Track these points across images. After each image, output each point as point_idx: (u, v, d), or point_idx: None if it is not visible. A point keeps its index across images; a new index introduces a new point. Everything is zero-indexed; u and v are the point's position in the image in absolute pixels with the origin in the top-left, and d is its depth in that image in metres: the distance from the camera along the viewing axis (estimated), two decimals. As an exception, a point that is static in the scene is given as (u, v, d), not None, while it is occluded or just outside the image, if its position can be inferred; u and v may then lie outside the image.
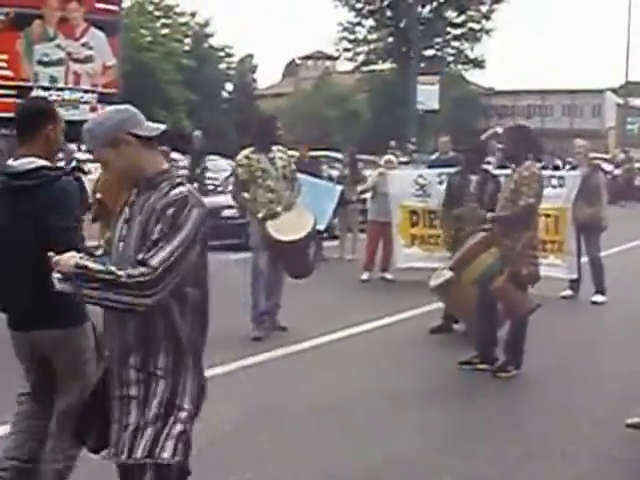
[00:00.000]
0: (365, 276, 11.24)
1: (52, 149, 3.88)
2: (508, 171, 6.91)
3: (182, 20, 41.60)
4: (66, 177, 3.79)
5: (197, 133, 20.26)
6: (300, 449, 4.95)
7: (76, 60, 18.26)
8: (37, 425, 3.99)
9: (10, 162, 3.77)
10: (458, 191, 7.70)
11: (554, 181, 9.87)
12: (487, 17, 46.80)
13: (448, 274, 7.11)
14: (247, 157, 7.48)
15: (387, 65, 49.13)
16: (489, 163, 9.55)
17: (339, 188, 12.19)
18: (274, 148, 7.51)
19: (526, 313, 6.50)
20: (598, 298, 9.60)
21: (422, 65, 42.25)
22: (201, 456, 4.74)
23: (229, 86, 47.92)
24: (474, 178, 7.60)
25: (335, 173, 14.46)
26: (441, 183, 9.50)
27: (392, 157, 12.32)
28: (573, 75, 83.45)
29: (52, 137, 3.83)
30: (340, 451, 4.90)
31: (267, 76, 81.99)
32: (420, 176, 10.49)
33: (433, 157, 12.17)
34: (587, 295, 9.72)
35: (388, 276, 11.17)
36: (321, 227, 12.85)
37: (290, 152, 13.06)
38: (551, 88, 53.85)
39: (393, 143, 14.59)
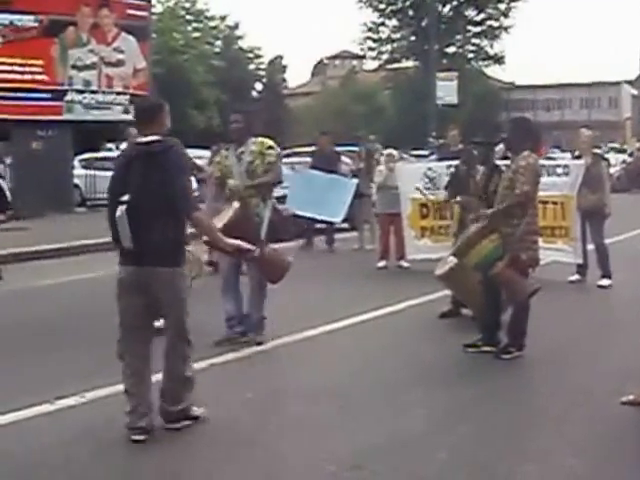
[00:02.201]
0: (381, 264, 11.27)
1: (163, 130, 4.82)
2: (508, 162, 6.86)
3: (212, 24, 41.81)
4: (177, 147, 4.76)
5: (131, 130, 18.07)
6: (307, 428, 4.96)
7: (108, 64, 18.48)
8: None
9: (138, 139, 4.83)
10: (464, 181, 7.65)
11: (559, 170, 9.81)
12: (505, 15, 46.49)
13: (452, 261, 7.08)
14: (220, 155, 7.08)
15: (410, 63, 48.89)
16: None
17: (354, 182, 12.18)
18: (250, 141, 6.80)
19: (526, 297, 6.45)
20: (604, 282, 9.50)
21: (444, 62, 42.15)
22: (212, 434, 4.82)
23: (258, 86, 48.00)
24: (481, 169, 7.53)
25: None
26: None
27: (393, 150, 12.20)
28: (590, 68, 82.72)
29: (163, 122, 4.83)
30: (345, 430, 4.90)
31: (297, 76, 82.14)
32: (429, 169, 10.41)
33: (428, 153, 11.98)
34: (595, 280, 9.63)
35: (404, 264, 11.15)
36: (337, 220, 12.82)
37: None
38: (569, 82, 53.35)
39: (372, 137, 14.42)
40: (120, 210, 4.62)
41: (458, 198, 7.75)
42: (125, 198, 4.63)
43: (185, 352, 4.86)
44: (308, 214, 12.96)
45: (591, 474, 4.29)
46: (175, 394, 4.84)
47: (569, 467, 4.35)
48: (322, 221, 12.91)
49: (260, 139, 6.90)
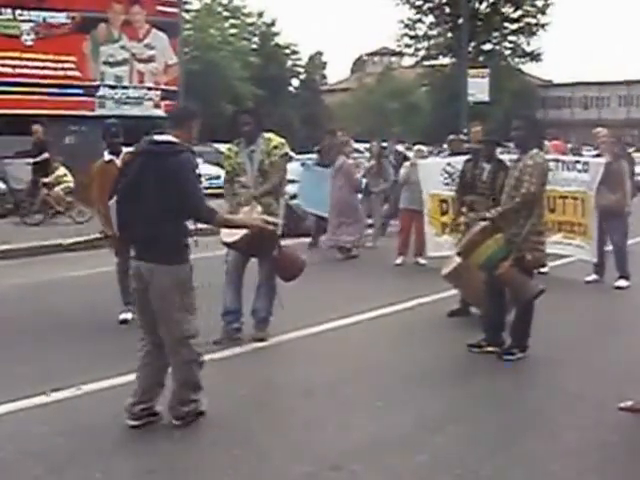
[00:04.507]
0: (399, 260, 11.17)
1: (189, 138, 4.84)
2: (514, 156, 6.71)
3: (249, 20, 41.82)
4: (187, 153, 4.70)
5: (37, 126, 15.76)
6: (294, 426, 4.91)
7: (140, 60, 18.58)
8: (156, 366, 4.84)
9: (154, 136, 4.80)
10: (471, 179, 7.52)
11: (578, 166, 9.60)
12: (543, 12, 45.76)
13: (457, 261, 6.96)
14: (229, 149, 6.95)
15: (447, 60, 48.41)
16: (509, 152, 9.28)
17: (328, 172, 12.05)
18: (260, 139, 6.73)
19: (531, 298, 6.30)
20: (621, 283, 9.29)
21: (480, 59, 41.66)
22: (196, 431, 4.78)
23: (295, 82, 47.98)
24: (487, 167, 7.39)
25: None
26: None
27: (422, 146, 12.06)
28: (628, 66, 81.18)
29: (190, 130, 4.85)
30: (332, 428, 4.83)
31: (339, 72, 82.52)
32: (448, 164, 10.20)
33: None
34: (613, 281, 9.40)
35: (422, 261, 11.02)
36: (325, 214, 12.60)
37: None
38: (607, 79, 52.48)
39: (340, 133, 14.25)
40: (113, 199, 4.72)
41: (468, 197, 7.59)
42: (120, 188, 4.72)
43: (186, 357, 4.75)
44: (315, 212, 12.87)
45: (574, 480, 4.17)
46: (181, 396, 4.79)
47: (554, 472, 4.24)
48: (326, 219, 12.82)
49: (268, 136, 6.82)
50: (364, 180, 12.50)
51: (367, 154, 16.92)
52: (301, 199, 12.78)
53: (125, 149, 7.67)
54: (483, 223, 6.42)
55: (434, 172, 10.36)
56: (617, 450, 4.58)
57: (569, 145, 10.23)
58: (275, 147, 6.74)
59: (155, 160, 4.64)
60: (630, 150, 11.32)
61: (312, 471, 4.19)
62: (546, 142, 12.33)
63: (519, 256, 6.21)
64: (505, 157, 7.57)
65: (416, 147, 12.06)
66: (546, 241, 6.65)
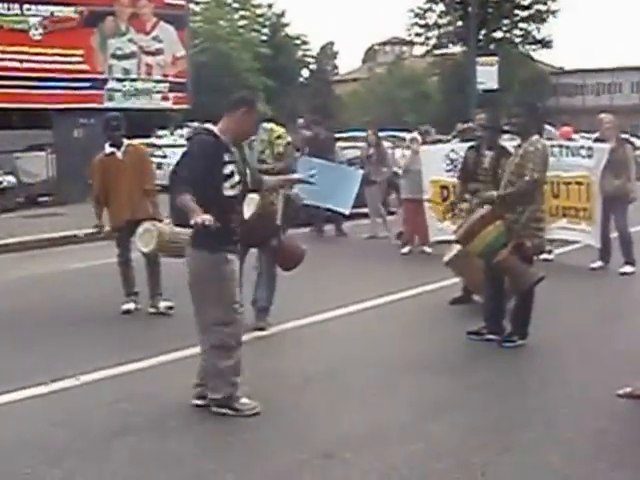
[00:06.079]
0: (405, 250, 11.13)
1: (239, 127, 4.78)
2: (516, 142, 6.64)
3: (259, 11, 41.73)
4: (200, 136, 4.71)
5: None
6: (290, 414, 4.88)
7: (147, 53, 18.58)
8: None
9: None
10: (473, 166, 7.45)
11: (583, 151, 9.50)
12: (553, -2, 45.32)
13: (457, 247, 6.91)
14: None
15: (458, 48, 48.12)
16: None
17: (360, 172, 11.94)
18: (260, 129, 6.54)
19: (531, 285, 6.24)
20: (627, 269, 9.19)
21: (491, 47, 41.36)
22: (190, 419, 4.76)
23: (305, 72, 47.89)
24: (489, 154, 7.32)
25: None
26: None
27: (417, 134, 11.95)
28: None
29: (242, 118, 4.76)
30: (328, 417, 4.81)
31: (351, 62, 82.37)
32: (452, 150, 10.12)
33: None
34: (618, 267, 9.31)
35: (427, 250, 10.98)
36: (345, 211, 12.51)
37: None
38: (619, 65, 51.97)
39: (301, 121, 14.12)
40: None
41: (471, 185, 7.52)
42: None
43: (212, 342, 4.79)
44: (316, 203, 12.79)
45: (569, 471, 4.07)
46: (211, 383, 4.82)
47: (549, 463, 4.15)
48: (330, 210, 12.77)
49: (270, 126, 6.79)
50: (360, 172, 12.37)
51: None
52: (300, 191, 12.68)
53: (127, 141, 7.67)
54: (482, 210, 6.37)
55: (436, 158, 10.30)
56: (616, 440, 4.49)
57: (596, 134, 9.99)
58: (279, 137, 6.74)
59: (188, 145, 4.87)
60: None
61: (305, 458, 4.16)
62: (551, 128, 12.20)
63: (518, 243, 6.15)
64: (509, 144, 7.47)
65: (410, 135, 12.01)
66: (546, 227, 6.58)
